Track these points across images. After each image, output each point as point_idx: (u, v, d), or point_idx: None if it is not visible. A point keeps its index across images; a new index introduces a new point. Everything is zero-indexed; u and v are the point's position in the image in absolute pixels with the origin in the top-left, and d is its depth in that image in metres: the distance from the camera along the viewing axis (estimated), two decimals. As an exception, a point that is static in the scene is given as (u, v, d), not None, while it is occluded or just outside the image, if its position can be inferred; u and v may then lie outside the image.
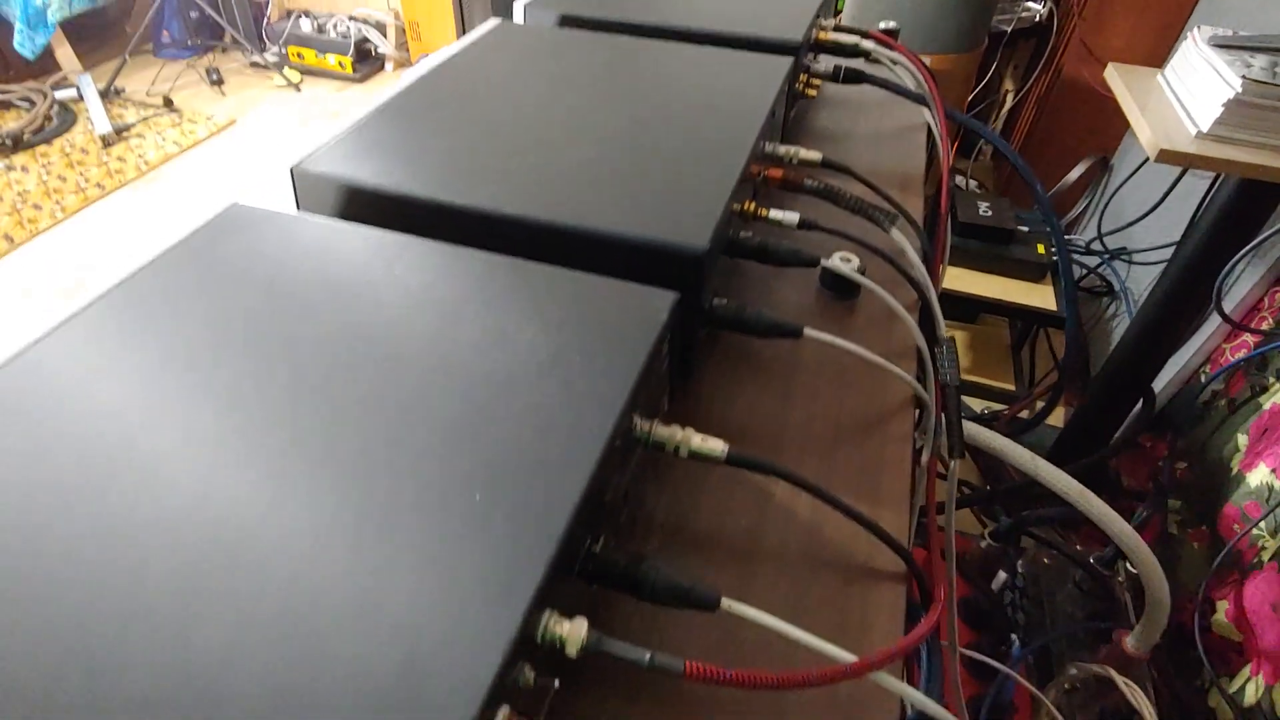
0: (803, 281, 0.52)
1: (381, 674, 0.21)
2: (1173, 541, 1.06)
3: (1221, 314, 0.84)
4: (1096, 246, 1.51)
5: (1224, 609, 0.91)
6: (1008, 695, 0.78)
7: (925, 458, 0.50)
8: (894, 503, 0.38)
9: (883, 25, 0.77)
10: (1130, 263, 1.43)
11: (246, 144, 2.67)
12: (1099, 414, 1.20)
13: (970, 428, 0.57)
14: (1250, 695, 0.82)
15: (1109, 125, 1.78)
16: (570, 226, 0.37)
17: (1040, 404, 1.54)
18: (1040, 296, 1.35)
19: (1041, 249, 1.37)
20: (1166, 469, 1.10)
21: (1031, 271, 1.36)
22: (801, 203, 0.58)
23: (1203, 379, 1.10)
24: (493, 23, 0.61)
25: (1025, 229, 1.41)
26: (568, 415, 0.28)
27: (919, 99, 0.67)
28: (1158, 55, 1.73)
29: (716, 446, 0.35)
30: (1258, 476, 0.92)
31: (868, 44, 0.67)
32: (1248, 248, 0.81)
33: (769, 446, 0.40)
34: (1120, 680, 0.71)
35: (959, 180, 1.92)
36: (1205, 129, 0.81)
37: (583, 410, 0.28)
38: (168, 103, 2.80)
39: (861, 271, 0.51)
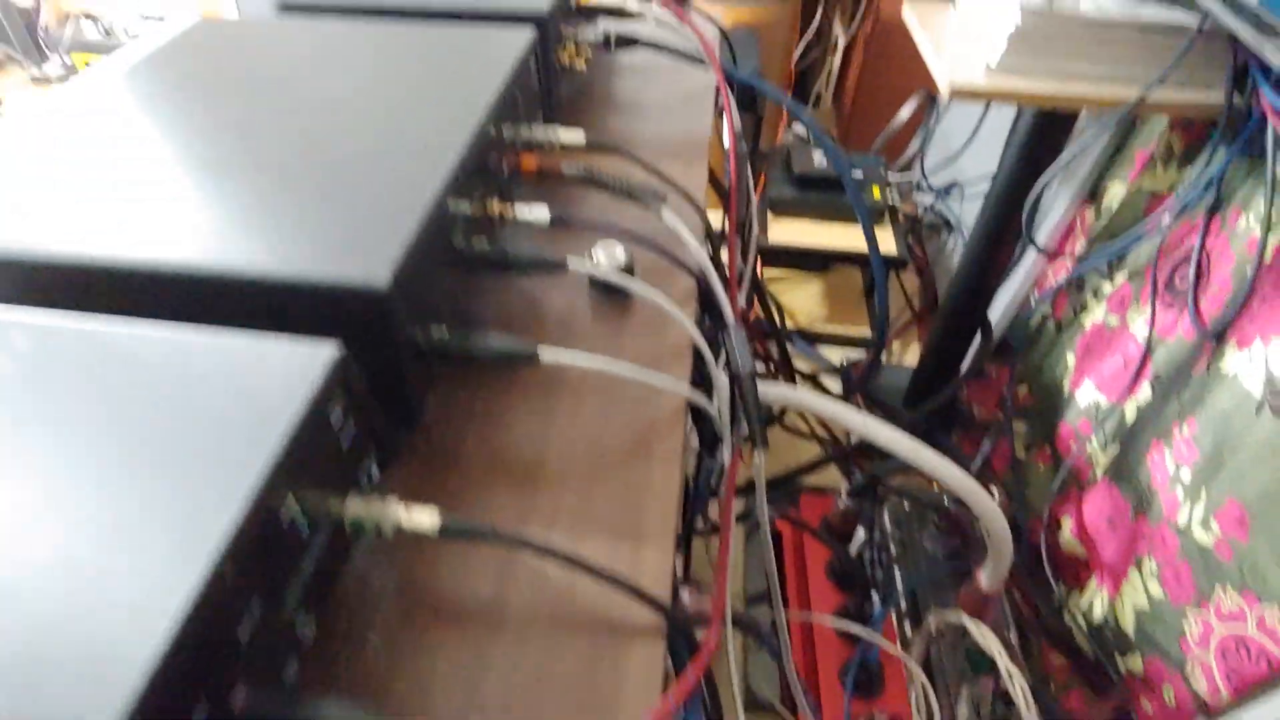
0: (573, 285, 0.47)
1: None
2: (1022, 465, 1.09)
3: (1031, 242, 0.85)
4: (927, 184, 1.54)
5: (1069, 525, 0.94)
6: (874, 656, 0.77)
7: (727, 456, 0.47)
8: (658, 536, 0.33)
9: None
10: (963, 195, 1.47)
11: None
12: (946, 349, 1.22)
13: (789, 394, 0.53)
14: (1098, 610, 0.84)
15: (931, 61, 1.81)
16: (201, 273, 0.30)
17: (897, 347, 1.57)
18: (881, 240, 1.36)
19: (877, 192, 1.38)
20: (1009, 394, 1.12)
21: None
22: (568, 194, 0.53)
23: (1032, 303, 1.14)
24: (193, 20, 0.52)
25: (858, 175, 1.42)
26: (154, 541, 0.21)
27: (696, 59, 0.62)
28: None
29: (426, 521, 0.29)
30: (1085, 395, 0.95)
31: (632, 3, 0.62)
32: (1045, 176, 0.82)
33: (521, 483, 0.35)
34: (972, 626, 0.71)
35: (798, 131, 1.91)
36: (994, 63, 0.81)
37: (175, 536, 0.21)
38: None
39: (629, 267, 0.46)
